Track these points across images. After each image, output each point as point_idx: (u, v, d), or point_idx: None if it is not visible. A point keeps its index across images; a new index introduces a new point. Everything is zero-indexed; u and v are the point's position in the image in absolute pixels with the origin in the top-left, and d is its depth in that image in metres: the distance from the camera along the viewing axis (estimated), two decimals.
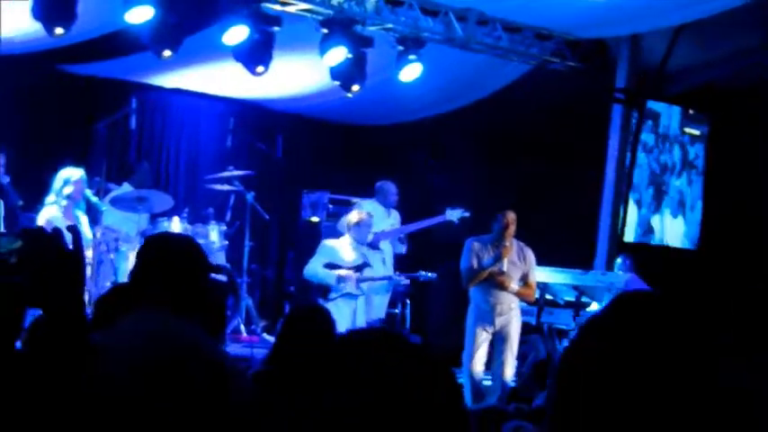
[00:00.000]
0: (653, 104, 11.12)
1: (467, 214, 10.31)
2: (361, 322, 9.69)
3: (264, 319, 11.52)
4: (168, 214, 10.42)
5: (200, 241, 10.06)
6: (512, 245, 8.95)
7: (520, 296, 9.08)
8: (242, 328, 11.10)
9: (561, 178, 11.07)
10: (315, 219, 11.86)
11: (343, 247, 9.78)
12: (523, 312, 9.36)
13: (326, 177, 12.54)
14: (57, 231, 2.27)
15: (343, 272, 9.61)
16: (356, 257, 9.80)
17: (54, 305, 2.18)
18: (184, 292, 3.14)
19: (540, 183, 11.22)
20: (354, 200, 11.05)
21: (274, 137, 12.46)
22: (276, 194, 12.71)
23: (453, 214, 10.47)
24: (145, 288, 3.16)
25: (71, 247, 2.25)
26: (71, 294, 2.21)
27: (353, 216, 9.86)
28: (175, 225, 10.43)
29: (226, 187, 11.42)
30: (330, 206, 11.91)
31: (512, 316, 9.02)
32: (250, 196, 11.26)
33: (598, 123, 10.79)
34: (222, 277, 10.76)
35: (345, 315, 9.61)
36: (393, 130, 12.65)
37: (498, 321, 8.96)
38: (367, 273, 9.88)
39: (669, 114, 11.32)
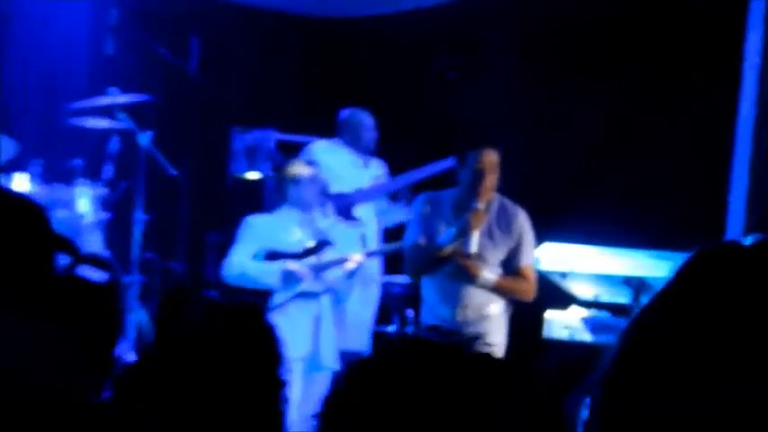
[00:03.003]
0: None
1: None
2: (328, 335, 7.58)
3: None
4: (9, 169, 8.80)
5: (62, 212, 9.21)
6: (487, 207, 6.47)
7: (504, 291, 6.56)
8: (129, 356, 8.19)
9: (669, 105, 8.49)
10: (253, 174, 9.40)
11: (282, 223, 7.80)
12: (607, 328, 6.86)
13: (273, 106, 10.02)
14: None
15: (290, 264, 7.55)
16: (305, 236, 7.75)
17: None
18: (19, 283, 2.70)
19: (632, 112, 8.61)
20: (315, 141, 8.92)
21: (186, 39, 9.74)
22: (190, 135, 10.08)
23: None
24: None
25: None
26: None
27: (290, 171, 8.03)
28: (21, 185, 8.79)
29: (104, 123, 8.95)
30: (279, 153, 9.35)
31: (488, 327, 6.58)
32: (145, 138, 8.86)
33: (728, 18, 8.41)
34: (98, 274, 7.54)
35: (303, 327, 7.41)
36: (384, 26, 10.01)
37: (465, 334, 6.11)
38: (329, 256, 7.65)
39: None
